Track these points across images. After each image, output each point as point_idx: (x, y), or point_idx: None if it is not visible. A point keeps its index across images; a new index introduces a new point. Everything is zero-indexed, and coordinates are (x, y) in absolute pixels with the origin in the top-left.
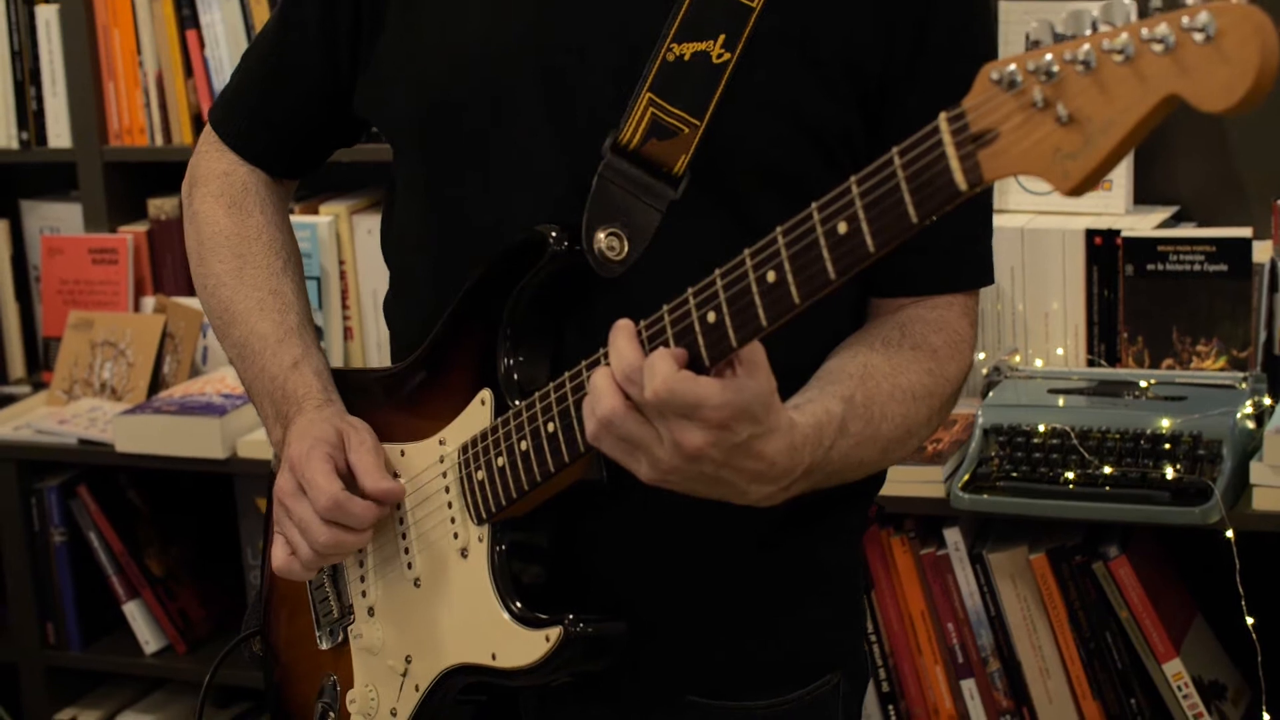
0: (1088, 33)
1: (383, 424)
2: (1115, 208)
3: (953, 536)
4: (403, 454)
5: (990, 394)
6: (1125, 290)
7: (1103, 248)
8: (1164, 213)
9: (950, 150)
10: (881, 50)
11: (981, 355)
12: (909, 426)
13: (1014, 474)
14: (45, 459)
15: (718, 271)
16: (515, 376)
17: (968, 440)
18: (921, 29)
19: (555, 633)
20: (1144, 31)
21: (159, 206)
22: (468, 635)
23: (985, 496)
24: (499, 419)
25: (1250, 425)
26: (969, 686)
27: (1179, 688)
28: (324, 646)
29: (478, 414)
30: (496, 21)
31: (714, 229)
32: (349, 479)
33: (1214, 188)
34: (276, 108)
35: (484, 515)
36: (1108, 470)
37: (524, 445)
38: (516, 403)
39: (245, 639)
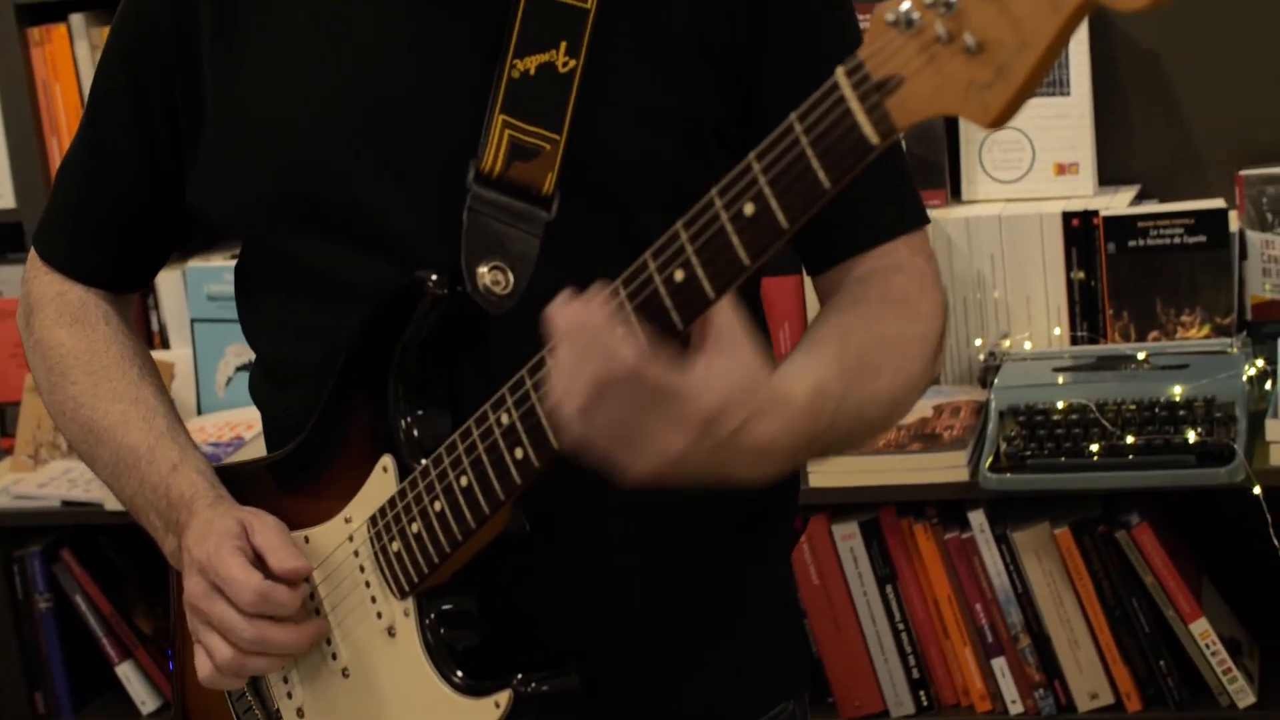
0: None
1: (280, 513)
2: (1084, 190)
3: (977, 519)
4: (307, 540)
5: (996, 378)
6: (1107, 268)
7: (1080, 229)
8: (1130, 191)
9: (855, 104)
10: (727, 25)
11: (979, 342)
12: (908, 376)
13: (1039, 451)
14: (25, 525)
15: (620, 280)
16: (416, 435)
17: (980, 424)
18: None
19: (505, 697)
20: None
21: None
22: (411, 718)
23: (1012, 475)
24: (405, 483)
25: (1249, 387)
26: (1000, 665)
27: (1207, 645)
28: None
29: (381, 483)
30: (321, 83)
31: (597, 243)
32: (261, 566)
33: (1174, 164)
34: (98, 225)
35: (406, 588)
36: (1130, 439)
37: (437, 506)
38: (422, 462)
39: None
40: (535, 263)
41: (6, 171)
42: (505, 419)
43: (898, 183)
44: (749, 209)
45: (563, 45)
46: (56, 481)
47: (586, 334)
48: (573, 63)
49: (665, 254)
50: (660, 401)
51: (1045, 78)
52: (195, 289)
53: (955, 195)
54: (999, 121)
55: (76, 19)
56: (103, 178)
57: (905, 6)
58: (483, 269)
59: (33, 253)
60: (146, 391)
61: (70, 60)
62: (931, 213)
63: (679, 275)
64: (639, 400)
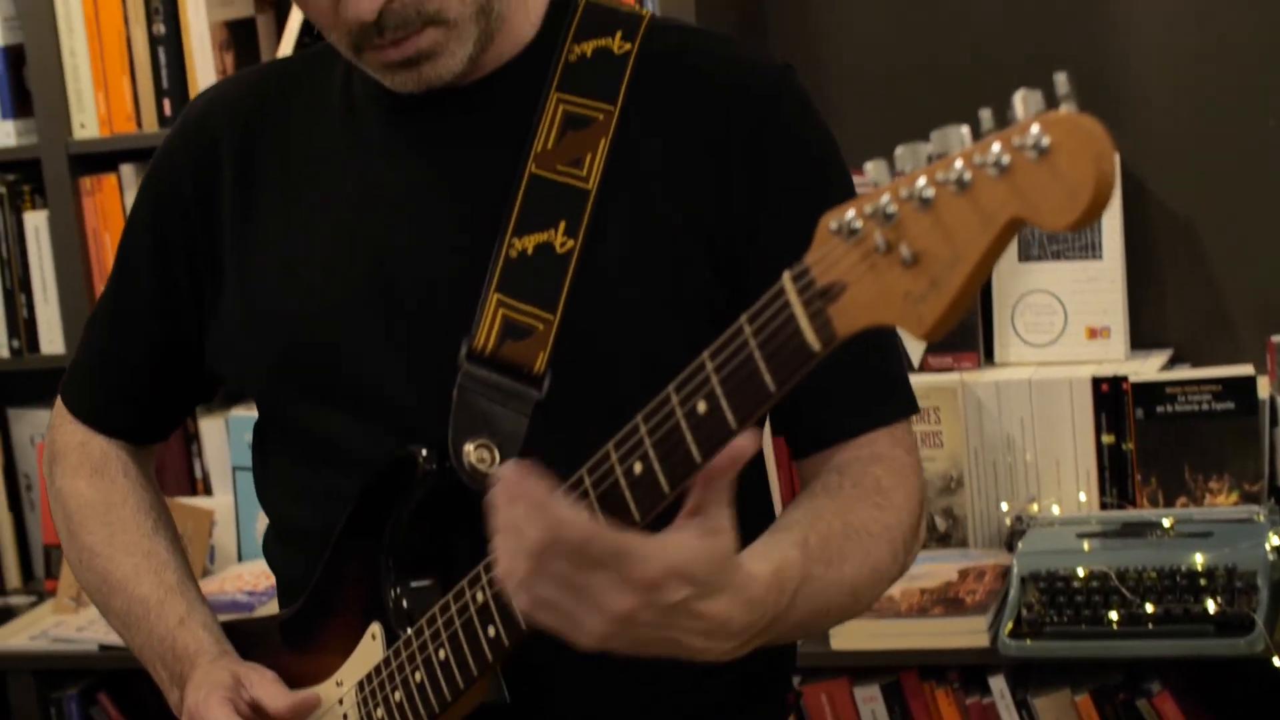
0: (924, 166)
1: (280, 670)
2: (1115, 354)
3: (998, 685)
4: None
5: (1020, 543)
6: (1136, 433)
7: (1109, 394)
8: (1161, 356)
9: (799, 310)
10: (720, 203)
11: (1004, 507)
12: (874, 565)
13: (1058, 618)
14: (64, 668)
15: (584, 469)
16: (405, 605)
17: (1003, 589)
18: (760, 178)
19: None
20: (976, 157)
21: None
22: None
23: (1031, 642)
24: (390, 651)
25: (1274, 557)
26: None
27: None
28: None
29: (370, 650)
30: (333, 251)
31: (586, 423)
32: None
33: (1207, 329)
34: (121, 380)
35: None
36: (1150, 608)
37: (418, 676)
38: (407, 631)
39: None
40: (523, 441)
41: (57, 318)
42: (480, 596)
43: (883, 372)
44: (701, 407)
45: (561, 225)
46: (95, 625)
47: (524, 504)
48: (571, 243)
49: (626, 445)
50: (605, 563)
51: (978, 291)
52: (238, 437)
53: (988, 357)
54: (933, 335)
55: (127, 169)
56: (126, 334)
57: (849, 215)
58: (469, 446)
59: (59, 402)
60: (160, 545)
61: (120, 210)
62: (962, 376)
63: (637, 468)
64: (581, 562)
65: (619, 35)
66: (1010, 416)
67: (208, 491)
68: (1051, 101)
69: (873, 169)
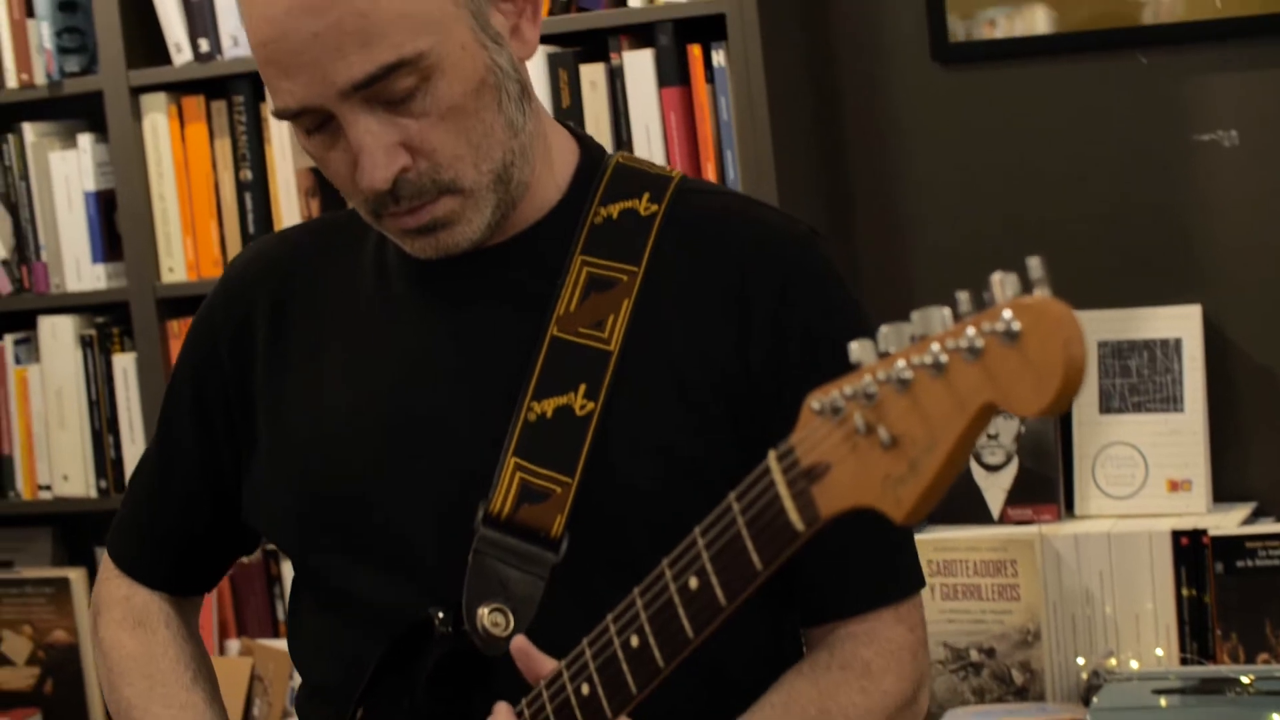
0: (906, 347)
1: None
2: (1197, 507)
3: None
4: None
5: (1097, 698)
6: (1216, 588)
7: (1189, 548)
8: (1244, 510)
9: (783, 489)
10: (742, 367)
11: (1080, 661)
12: None
13: None
14: None
15: (585, 641)
16: None
17: None
18: (781, 344)
19: None
20: (951, 341)
21: None
22: None
23: None
24: None
25: None
26: None
27: None
28: None
29: None
30: (358, 410)
31: (602, 586)
32: None
33: None
34: (166, 533)
35: None
36: None
37: None
38: None
39: None
40: (539, 605)
41: None
42: None
43: (884, 548)
44: (693, 583)
45: (582, 388)
46: None
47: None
48: (591, 405)
49: (624, 618)
50: None
51: (957, 474)
52: None
53: (1069, 509)
54: (912, 518)
55: None
56: (169, 488)
57: (832, 395)
58: (483, 610)
59: (105, 555)
60: (197, 697)
61: None
62: (1041, 529)
63: (634, 641)
64: None
65: (646, 197)
66: (1089, 569)
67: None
68: (1027, 285)
69: (858, 349)
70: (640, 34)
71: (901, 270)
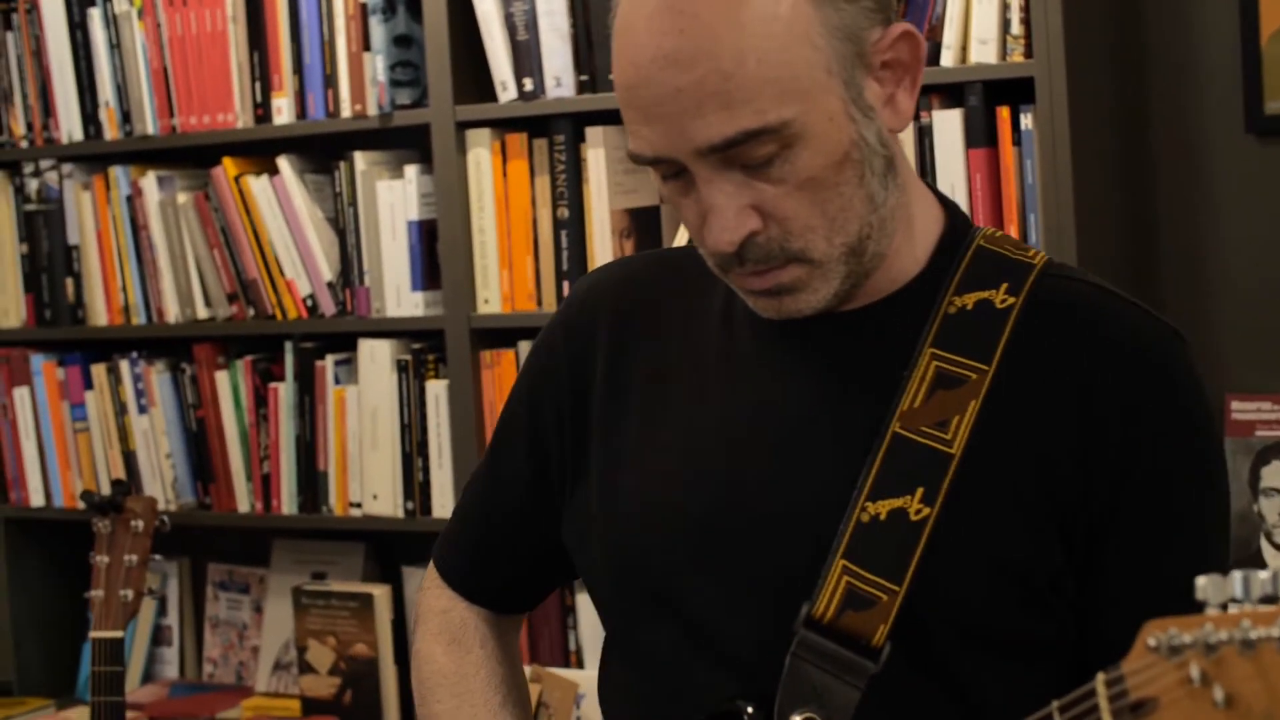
0: (1248, 606)
1: None
2: None
3: None
4: None
5: None
6: None
7: None
8: None
9: (1107, 717)
10: (1085, 474)
11: None
12: None
13: None
14: None
15: None
16: None
17: None
18: (1132, 450)
19: None
20: None
21: None
22: None
23: None
24: None
25: None
26: None
27: None
28: None
29: None
30: (693, 478)
31: (919, 699)
32: None
33: None
34: (495, 551)
35: None
36: None
37: None
38: None
39: None
40: (853, 715)
41: (450, 484)
42: None
43: None
44: None
45: (919, 491)
46: None
47: None
48: (927, 511)
49: None
50: None
51: None
52: None
53: None
54: None
55: (525, 346)
56: (498, 503)
57: (1171, 632)
58: (796, 717)
59: (431, 564)
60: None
61: None
62: None
63: None
64: None
65: (1004, 288)
66: None
67: (579, 664)
68: None
69: (1205, 585)
70: (950, 94)
71: (1210, 348)
